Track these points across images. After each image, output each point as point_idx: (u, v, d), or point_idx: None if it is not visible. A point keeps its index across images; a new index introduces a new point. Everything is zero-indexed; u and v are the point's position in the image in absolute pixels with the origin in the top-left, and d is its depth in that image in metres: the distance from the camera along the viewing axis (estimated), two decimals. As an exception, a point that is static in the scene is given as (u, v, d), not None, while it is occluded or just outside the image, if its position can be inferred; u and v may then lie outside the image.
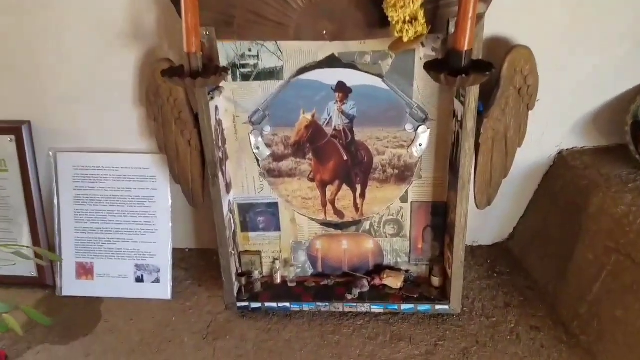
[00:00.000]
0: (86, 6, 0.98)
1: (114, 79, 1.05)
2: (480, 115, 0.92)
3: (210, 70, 0.85)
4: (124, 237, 1.16)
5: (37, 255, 1.02)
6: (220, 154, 1.01)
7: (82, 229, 1.16)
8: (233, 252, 1.10)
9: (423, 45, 0.91)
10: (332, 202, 1.10)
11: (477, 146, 0.94)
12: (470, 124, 0.90)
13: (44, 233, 1.17)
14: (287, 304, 1.10)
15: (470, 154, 0.93)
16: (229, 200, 1.08)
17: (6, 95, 1.11)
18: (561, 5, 0.92)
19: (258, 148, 1.05)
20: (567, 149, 1.08)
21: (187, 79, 0.80)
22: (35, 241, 1.15)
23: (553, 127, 1.05)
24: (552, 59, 0.95)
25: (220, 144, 1.01)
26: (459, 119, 0.93)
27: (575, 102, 1.03)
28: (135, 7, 0.96)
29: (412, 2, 0.75)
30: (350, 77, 0.97)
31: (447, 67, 0.79)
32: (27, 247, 0.94)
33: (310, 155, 1.05)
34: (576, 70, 0.99)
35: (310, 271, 1.17)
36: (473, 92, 0.88)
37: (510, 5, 0.90)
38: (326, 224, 1.12)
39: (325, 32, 0.87)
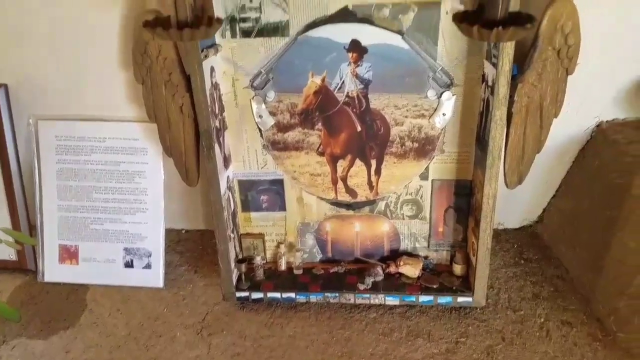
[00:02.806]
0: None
1: (97, 35, 0.97)
2: (514, 79, 0.83)
3: (201, 22, 0.75)
4: (112, 216, 1.08)
5: (14, 239, 0.94)
6: (217, 123, 0.93)
7: (65, 207, 1.08)
8: (232, 234, 1.02)
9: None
10: (344, 179, 1.01)
11: (509, 116, 0.85)
12: (503, 89, 0.80)
13: (23, 211, 1.09)
14: (292, 295, 1.02)
15: (502, 125, 0.84)
16: (228, 176, 0.99)
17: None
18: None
19: (261, 117, 0.96)
20: (607, 121, 0.99)
21: (172, 30, 0.70)
22: (15, 220, 1.08)
23: (593, 95, 0.96)
24: (598, 17, 0.85)
25: (217, 112, 0.92)
26: (490, 83, 0.84)
27: (619, 68, 0.94)
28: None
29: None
30: (366, 35, 0.88)
31: (480, 19, 0.70)
32: (0, 229, 0.85)
33: (319, 126, 0.97)
34: (623, 32, 0.89)
35: (318, 256, 1.09)
36: (507, 52, 0.78)
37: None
38: (337, 204, 1.04)
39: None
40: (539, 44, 0.82)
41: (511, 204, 1.12)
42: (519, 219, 1.18)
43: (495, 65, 0.81)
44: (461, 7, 0.83)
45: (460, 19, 0.71)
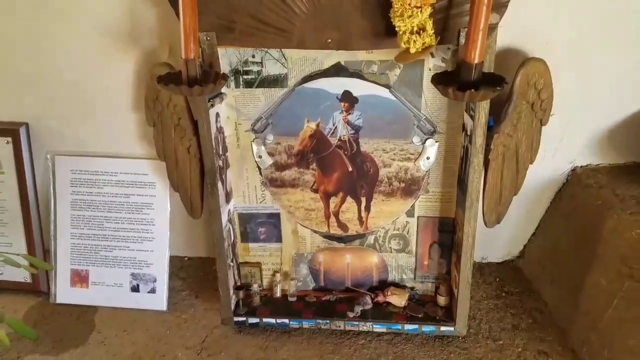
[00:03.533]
0: (86, 9, 0.98)
1: (113, 83, 1.06)
2: (491, 130, 0.91)
3: (209, 78, 0.85)
4: (121, 244, 1.16)
5: (30, 263, 1.03)
6: (221, 162, 1.01)
7: (78, 234, 1.17)
8: (232, 264, 1.10)
9: (432, 55, 0.90)
10: (336, 215, 1.09)
11: (486, 162, 0.93)
12: (479, 139, 0.89)
13: (39, 238, 1.18)
14: (286, 320, 1.09)
15: (479, 171, 0.92)
16: (229, 210, 1.08)
17: (5, 96, 1.12)
18: (580, 17, 0.90)
19: (260, 157, 1.05)
20: (581, 166, 1.06)
21: (183, 87, 0.80)
22: (30, 246, 1.16)
23: (567, 143, 1.03)
24: (568, 73, 0.94)
25: (220, 152, 1.01)
26: (469, 133, 0.92)
27: (591, 117, 1.01)
28: (134, 9, 0.97)
29: (420, 11, 0.74)
30: (357, 87, 0.96)
31: (456, 80, 0.79)
32: (18, 254, 0.94)
33: (314, 166, 1.05)
34: (593, 85, 0.97)
35: (311, 285, 1.16)
36: (483, 107, 0.87)
37: (525, 15, 0.89)
38: (329, 237, 1.12)
39: (329, 40, 0.86)
40: (514, 99, 0.91)
41: (494, 240, 1.20)
42: (501, 254, 1.25)
43: (472, 117, 0.89)
44: (443, 65, 0.92)
45: (437, 80, 0.80)
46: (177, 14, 0.79)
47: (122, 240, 1.16)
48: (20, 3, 0.99)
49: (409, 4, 0.73)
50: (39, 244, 1.18)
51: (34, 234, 1.16)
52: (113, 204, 1.15)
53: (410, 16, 0.74)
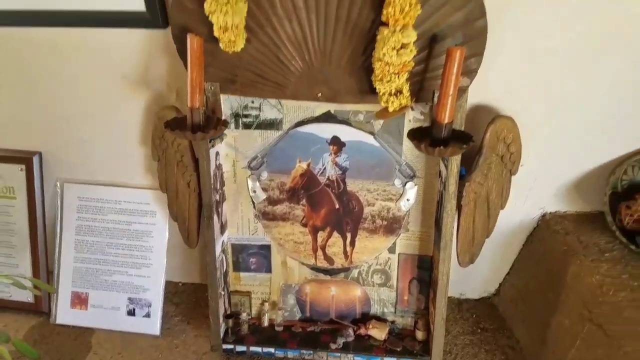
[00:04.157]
0: (101, 52, 1.10)
1: (123, 120, 1.17)
2: (463, 178, 1.01)
3: (211, 123, 0.96)
4: (120, 269, 1.25)
5: (35, 285, 1.11)
6: (218, 196, 1.11)
7: (81, 258, 1.26)
8: (223, 292, 1.18)
9: (412, 109, 1.01)
10: (323, 248, 1.18)
11: (459, 207, 1.03)
12: (452, 187, 0.99)
13: (44, 260, 1.26)
14: (272, 350, 1.17)
15: (452, 215, 1.02)
16: (223, 241, 1.17)
17: (21, 126, 1.23)
18: (544, 76, 1.01)
19: (255, 192, 1.15)
20: (550, 212, 1.16)
21: (188, 133, 0.90)
22: (35, 268, 1.25)
23: (536, 191, 1.13)
24: (536, 128, 1.05)
25: (218, 187, 1.11)
26: (443, 180, 1.02)
27: (558, 168, 1.11)
28: (148, 58, 1.08)
29: (398, 77, 0.85)
30: (344, 132, 1.07)
31: (429, 135, 0.89)
32: (26, 277, 1.03)
33: (304, 202, 1.14)
34: (559, 138, 1.07)
35: (298, 315, 1.24)
36: (455, 158, 0.97)
37: (494, 76, 1.00)
38: (316, 269, 1.20)
39: (320, 94, 0.98)
40: (484, 152, 1.01)
41: (472, 277, 1.29)
42: (478, 291, 1.33)
43: (446, 166, 1.00)
44: (422, 117, 1.03)
45: (412, 135, 0.90)
46: (186, 66, 0.90)
47: (122, 266, 1.25)
48: (40, 45, 1.11)
49: (388, 70, 0.84)
50: (44, 267, 1.26)
51: (40, 257, 1.25)
52: (115, 231, 1.24)
53: (389, 80, 0.85)
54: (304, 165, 1.11)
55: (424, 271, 1.17)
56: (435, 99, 0.92)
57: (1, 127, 1.24)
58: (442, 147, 0.85)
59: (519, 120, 1.01)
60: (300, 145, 1.09)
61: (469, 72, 0.92)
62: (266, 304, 1.23)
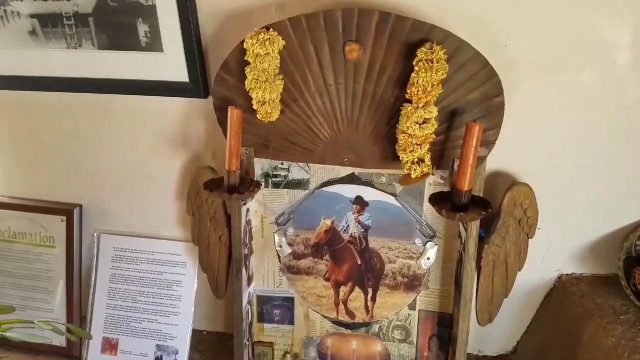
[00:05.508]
0: (146, 115, 1.21)
1: (161, 176, 1.27)
2: (482, 240, 1.08)
3: (245, 185, 1.04)
4: (150, 317, 1.32)
5: (68, 330, 1.19)
6: (246, 250, 1.19)
7: (112, 305, 1.33)
8: (247, 342, 1.24)
9: (433, 173, 1.09)
10: (345, 302, 1.24)
11: (478, 268, 1.09)
12: (471, 249, 1.05)
13: (77, 306, 1.34)
14: (293, 400, 1.22)
15: (472, 275, 1.08)
16: (249, 292, 1.24)
17: (66, 180, 1.33)
18: (559, 148, 1.09)
19: (281, 246, 1.22)
20: (566, 274, 1.20)
21: (225, 194, 0.99)
22: (70, 314, 1.33)
23: (553, 253, 1.18)
24: (551, 194, 1.11)
25: (247, 241, 1.19)
26: (463, 242, 1.08)
27: (574, 232, 1.17)
28: (186, 121, 1.19)
29: (420, 147, 0.93)
30: (368, 193, 1.15)
31: (450, 200, 0.97)
32: (63, 324, 1.11)
33: (327, 257, 1.21)
34: (575, 204, 1.14)
35: (318, 367, 1.29)
36: (474, 222, 1.04)
37: (512, 146, 1.07)
38: (337, 323, 1.25)
39: (346, 159, 1.07)
40: (502, 216, 1.07)
41: (490, 334, 1.32)
42: (497, 348, 1.36)
43: (466, 229, 1.06)
44: (441, 181, 1.10)
45: (434, 200, 0.98)
46: (225, 135, 1.00)
47: (152, 313, 1.32)
48: (93, 108, 1.23)
49: (411, 142, 0.92)
50: (77, 312, 1.34)
51: (74, 303, 1.33)
52: (147, 280, 1.32)
53: (412, 150, 0.93)
54: (328, 222, 1.19)
55: (444, 328, 1.21)
56: (455, 167, 1.00)
57: (46, 179, 1.34)
58: (462, 212, 0.92)
59: (536, 187, 1.07)
60: (325, 203, 1.17)
61: (487, 143, 1.00)
62: (288, 356, 1.28)
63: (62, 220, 1.32)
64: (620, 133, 1.05)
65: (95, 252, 1.34)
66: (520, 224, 1.09)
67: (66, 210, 1.32)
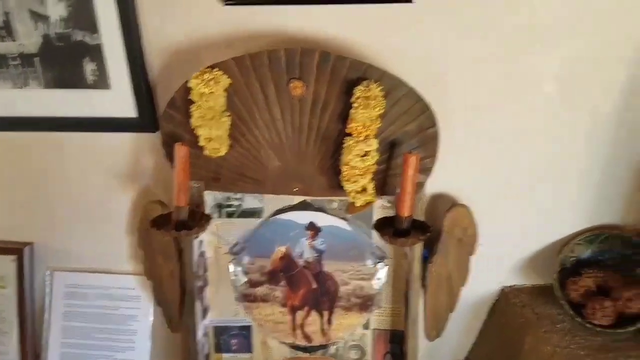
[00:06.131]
0: (95, 151, 1.22)
1: (112, 211, 1.27)
2: (426, 261, 1.14)
3: (196, 219, 1.07)
4: (106, 353, 1.31)
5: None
6: (201, 282, 1.21)
7: (68, 344, 1.32)
8: (205, 375, 1.26)
9: (376, 201, 1.15)
10: (302, 327, 1.27)
11: (424, 286, 1.15)
12: (416, 269, 1.12)
13: (31, 346, 1.32)
14: None
15: (418, 294, 1.14)
16: (205, 325, 1.26)
17: (16, 218, 1.32)
18: (493, 170, 1.17)
19: (236, 275, 1.25)
20: (508, 286, 1.29)
21: (172, 232, 1.02)
22: (24, 354, 1.31)
23: (495, 267, 1.26)
24: (489, 212, 1.19)
25: (201, 273, 1.21)
26: (409, 262, 1.15)
27: (512, 246, 1.25)
28: (135, 156, 1.21)
29: (362, 177, 0.99)
30: (320, 219, 1.19)
31: (393, 225, 1.03)
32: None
33: (283, 283, 1.24)
34: (512, 221, 1.22)
35: (278, 393, 1.32)
36: (418, 244, 1.10)
37: (449, 171, 1.15)
38: (295, 347, 1.29)
39: (296, 189, 1.12)
40: (443, 237, 1.14)
41: (441, 348, 1.38)
42: (449, 360, 1.44)
43: (410, 250, 1.13)
44: (389, 205, 1.16)
45: (378, 226, 1.04)
46: (173, 168, 1.03)
47: (108, 350, 1.31)
48: (41, 147, 1.23)
49: (354, 173, 0.98)
50: (32, 352, 1.32)
51: (28, 343, 1.31)
52: (102, 315, 1.31)
53: (355, 181, 0.99)
54: (283, 249, 1.22)
55: (397, 345, 1.27)
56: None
57: (-5, 220, 1.33)
58: (404, 238, 0.98)
59: (474, 207, 1.15)
60: (279, 231, 1.21)
61: (425, 170, 1.07)
62: (248, 383, 1.30)
63: (12, 260, 1.30)
64: (547, 156, 1.15)
65: (47, 289, 1.33)
66: (461, 242, 1.16)
67: (16, 250, 1.30)
